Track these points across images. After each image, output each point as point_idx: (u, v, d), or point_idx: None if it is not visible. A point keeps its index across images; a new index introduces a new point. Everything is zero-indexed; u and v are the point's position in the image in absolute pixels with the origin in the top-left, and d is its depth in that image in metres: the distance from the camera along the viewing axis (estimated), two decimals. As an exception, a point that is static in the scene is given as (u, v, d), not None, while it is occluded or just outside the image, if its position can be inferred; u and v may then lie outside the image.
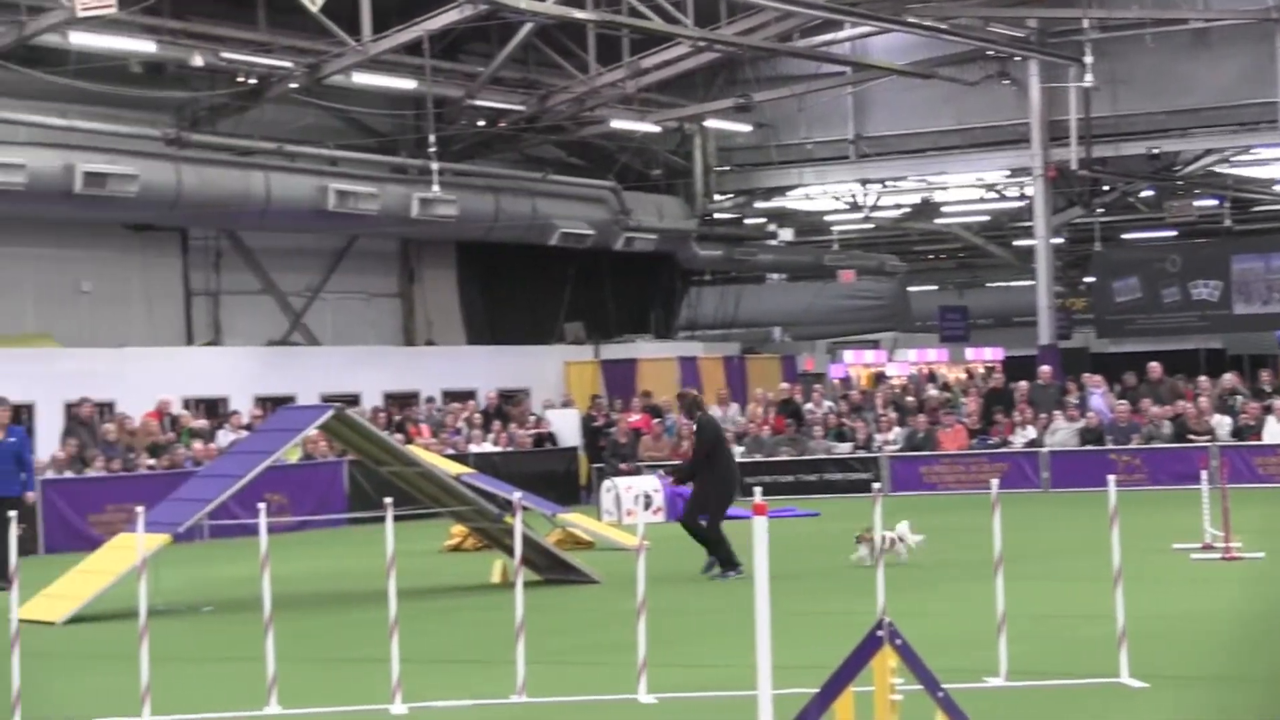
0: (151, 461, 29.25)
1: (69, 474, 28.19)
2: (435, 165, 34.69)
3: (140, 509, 13.60)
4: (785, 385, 38.87)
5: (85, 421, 29.73)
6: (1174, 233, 51.73)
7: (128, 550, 17.04)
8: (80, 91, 31.35)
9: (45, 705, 11.90)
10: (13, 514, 12.97)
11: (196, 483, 20.01)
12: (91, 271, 34.34)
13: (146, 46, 30.98)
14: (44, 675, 13.17)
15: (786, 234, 49.61)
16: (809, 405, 36.52)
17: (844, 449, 34.69)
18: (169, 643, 14.69)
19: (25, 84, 30.70)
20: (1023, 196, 45.40)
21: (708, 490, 19.85)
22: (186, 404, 32.56)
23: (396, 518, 11.97)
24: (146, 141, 32.83)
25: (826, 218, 50.72)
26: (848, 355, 49.43)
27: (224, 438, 30.58)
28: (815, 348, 49.02)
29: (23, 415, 30.70)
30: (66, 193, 30.76)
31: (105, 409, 31.17)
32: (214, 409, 33.23)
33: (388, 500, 12.13)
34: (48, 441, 29.93)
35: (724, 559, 19.50)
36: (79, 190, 30.74)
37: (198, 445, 29.88)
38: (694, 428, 20.54)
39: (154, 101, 33.73)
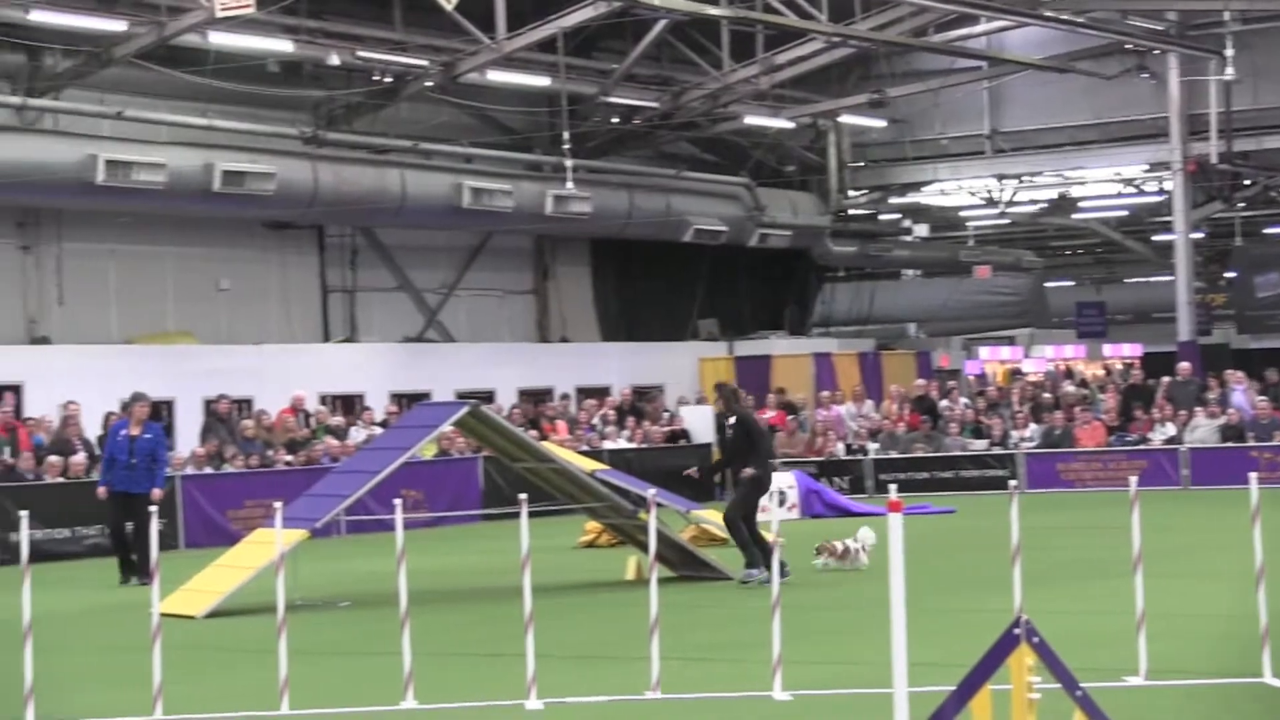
0: (289, 457, 29.54)
1: (208, 470, 28.53)
2: (569, 162, 34.76)
3: (278, 504, 13.75)
4: (920, 382, 38.63)
5: (223, 418, 30.09)
6: (1317, 227, 50.99)
7: (266, 545, 17.22)
8: (219, 91, 31.71)
9: (186, 699, 12.04)
10: (152, 509, 13.13)
11: (333, 479, 20.19)
12: (230, 269, 34.74)
13: (284, 46, 31.32)
14: (184, 669, 13.33)
15: (921, 230, 49.24)
16: (944, 402, 36.28)
17: (979, 446, 34.44)
18: (307, 637, 14.82)
19: (165, 84, 31.12)
20: (1161, 191, 44.83)
21: (748, 485, 19.32)
22: (323, 400, 32.88)
23: (531, 514, 12.00)
24: (284, 140, 33.18)
25: (962, 213, 50.38)
26: (983, 351, 49.10)
27: (357, 434, 30.83)
28: (950, 344, 48.65)
29: (163, 412, 31.15)
30: (206, 191, 31.10)
31: (243, 405, 31.54)
32: (350, 405, 33.53)
33: (522, 496, 12.15)
34: (187, 438, 30.35)
35: (750, 556, 18.80)
36: (218, 189, 31.06)
37: (334, 441, 30.15)
38: (730, 420, 19.86)
39: (291, 100, 34.07)
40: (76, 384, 28.91)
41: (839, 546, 20.10)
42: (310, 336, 35.85)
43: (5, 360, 29.95)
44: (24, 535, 12.04)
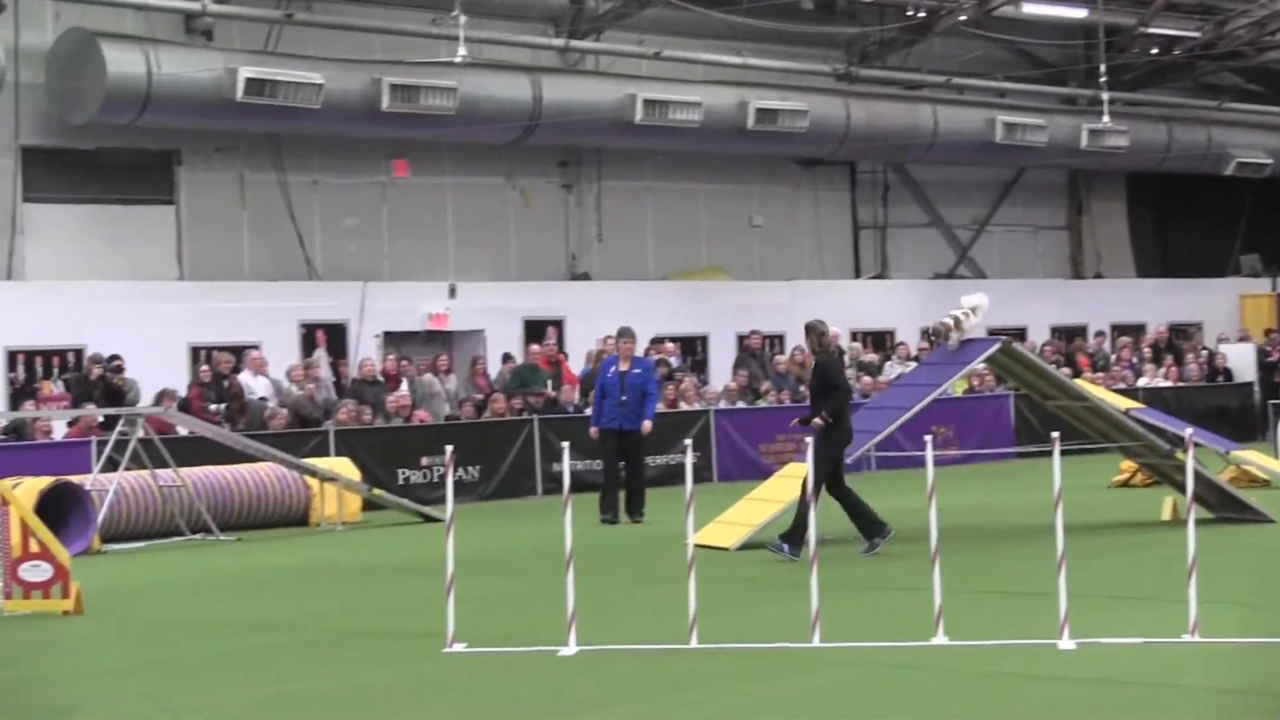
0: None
1: (740, 404, 28.93)
2: (1105, 95, 33.94)
3: (809, 440, 13.80)
4: None
5: (755, 353, 30.52)
6: None
7: (797, 479, 17.34)
8: (753, 29, 32.08)
9: (720, 630, 12.22)
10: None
11: (864, 414, 20.17)
12: (762, 207, 35.12)
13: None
14: (719, 600, 13.54)
15: None
16: None
17: None
18: (837, 572, 14.88)
19: (702, 24, 31.61)
20: None
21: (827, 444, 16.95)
22: (854, 336, 32.98)
23: (1063, 452, 11.76)
24: (817, 77, 33.41)
25: None
26: None
27: (890, 370, 30.84)
28: None
29: (696, 347, 31.83)
30: (740, 129, 31.63)
31: (774, 341, 31.89)
32: (881, 341, 33.59)
33: (1055, 434, 11.91)
34: (720, 373, 30.92)
35: (797, 530, 16.49)
36: (751, 126, 31.57)
37: (866, 378, 30.20)
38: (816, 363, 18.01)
39: (825, 38, 34.19)
40: (615, 319, 29.68)
41: (949, 322, 18.59)
42: (841, 273, 35.98)
43: (548, 296, 31.03)
44: (565, 466, 12.41)
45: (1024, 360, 19.35)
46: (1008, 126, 34.55)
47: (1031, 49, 36.99)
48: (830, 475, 16.95)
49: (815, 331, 18.24)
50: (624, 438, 21.18)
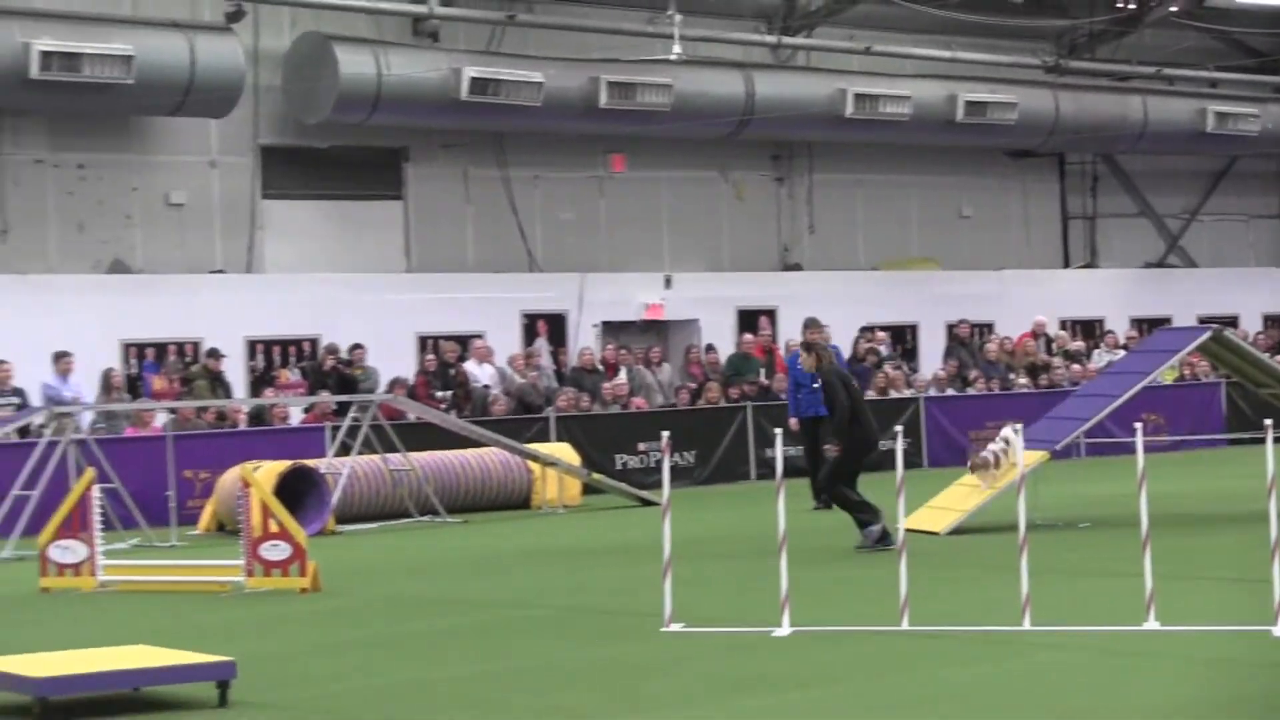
0: (1024, 380, 29.41)
1: (950, 391, 28.72)
2: (1319, 83, 33.26)
3: (1018, 426, 13.67)
4: None
5: (964, 341, 30.28)
6: None
7: (1010, 465, 17.23)
8: (962, 24, 31.86)
9: (930, 613, 12.16)
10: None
11: (1074, 402, 19.98)
12: (972, 197, 34.80)
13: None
14: (928, 582, 13.46)
15: None
16: None
17: None
18: (1046, 556, 14.72)
19: (911, 19, 31.42)
20: None
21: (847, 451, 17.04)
22: (1062, 325, 32.61)
23: (1276, 439, 11.53)
24: (1026, 70, 33.10)
25: None
26: None
27: (1099, 358, 30.44)
28: None
29: (905, 335, 31.66)
30: (949, 122, 31.50)
31: (983, 329, 31.61)
32: (1089, 330, 33.17)
33: (1267, 421, 11.68)
34: (930, 360, 30.75)
35: (865, 520, 16.72)
36: (960, 119, 31.46)
37: (1074, 366, 29.84)
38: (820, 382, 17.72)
39: (1034, 31, 33.81)
40: (826, 308, 29.59)
41: (989, 458, 18.02)
42: (1050, 262, 35.55)
43: (761, 286, 31.06)
44: (779, 452, 12.41)
45: (1235, 348, 19.01)
46: (1219, 116, 33.96)
47: (1244, 38, 36.27)
48: (847, 477, 16.88)
49: (815, 348, 18.19)
50: (820, 424, 21.07)
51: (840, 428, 17.10)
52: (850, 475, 16.99)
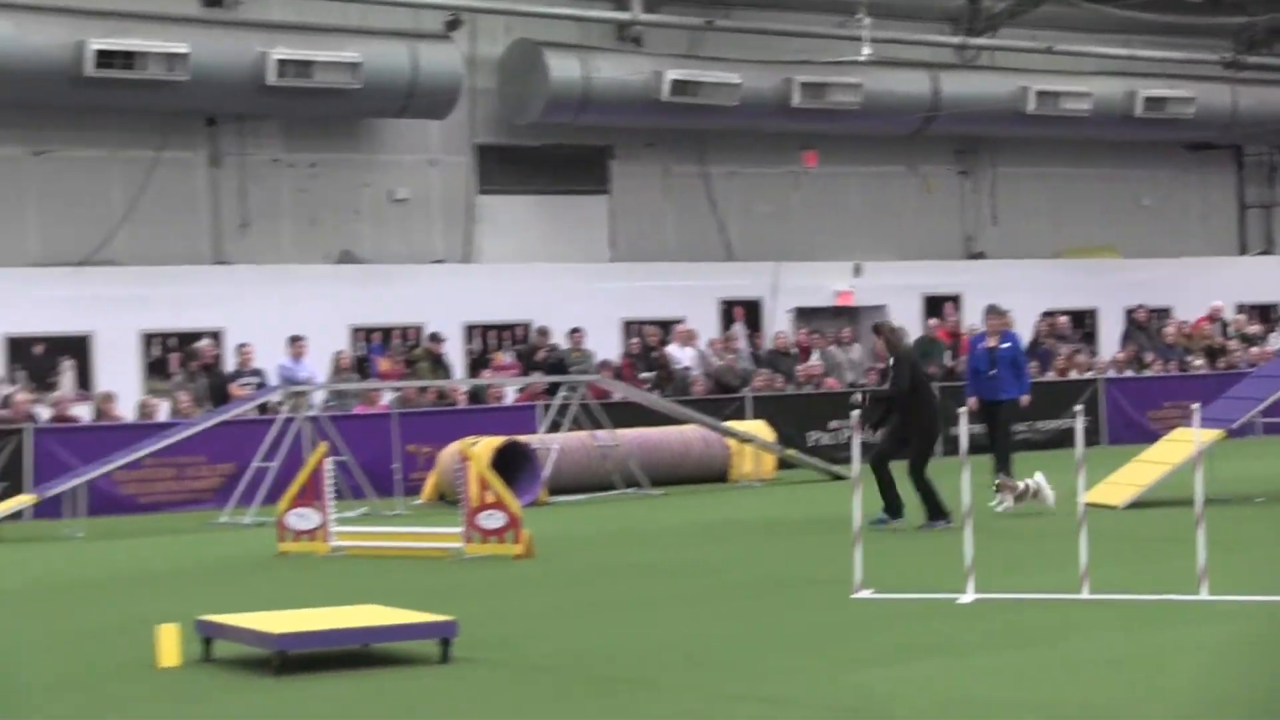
0: (1200, 362, 28.89)
1: (1128, 373, 28.30)
2: None
3: (1195, 406, 13.45)
4: None
5: (1142, 325, 29.85)
6: None
7: (1183, 443, 16.96)
8: (1141, 22, 31.41)
9: (1109, 581, 12.01)
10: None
11: (1250, 383, 19.59)
12: (1150, 188, 34.22)
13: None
14: (1108, 554, 13.29)
15: None
16: None
17: None
18: (1222, 529, 14.45)
19: (1091, 18, 31.06)
20: None
21: (910, 432, 16.90)
22: (1239, 309, 32.00)
23: None
24: (1204, 66, 32.54)
25: None
26: None
27: (1274, 341, 29.86)
28: None
29: (1086, 319, 31.25)
30: (1128, 116, 31.20)
31: (1160, 314, 31.11)
32: (1265, 314, 32.53)
33: None
34: (1109, 344, 30.36)
35: (931, 508, 16.60)
36: (1139, 114, 31.19)
37: (1252, 349, 29.27)
38: (890, 361, 17.47)
39: (1212, 28, 33.17)
40: (1009, 294, 29.25)
41: (1019, 486, 17.56)
42: (1226, 250, 34.88)
43: (946, 274, 30.84)
44: (963, 430, 12.29)
45: None
46: None
47: None
48: (921, 460, 16.73)
49: (883, 331, 18.17)
50: (996, 407, 20.69)
51: (894, 406, 17.08)
52: (924, 460, 16.79)
